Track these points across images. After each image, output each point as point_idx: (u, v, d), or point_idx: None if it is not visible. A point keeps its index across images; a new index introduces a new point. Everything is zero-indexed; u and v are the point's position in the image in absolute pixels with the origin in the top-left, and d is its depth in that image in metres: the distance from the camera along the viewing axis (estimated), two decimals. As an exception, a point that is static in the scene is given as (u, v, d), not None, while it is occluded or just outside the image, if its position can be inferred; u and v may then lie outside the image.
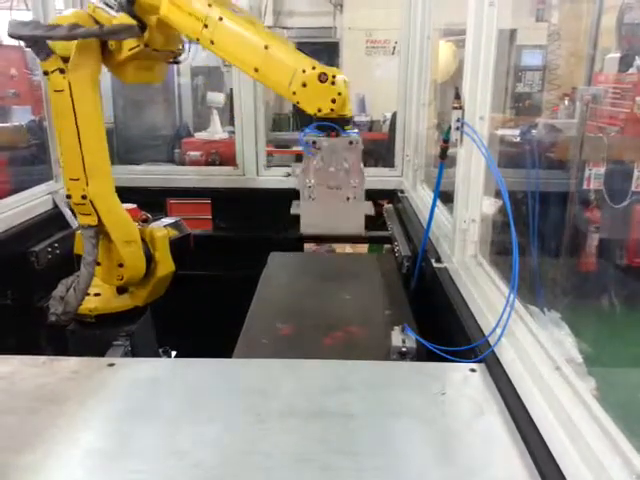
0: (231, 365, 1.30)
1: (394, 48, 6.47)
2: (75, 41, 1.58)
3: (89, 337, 1.99)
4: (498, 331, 1.19)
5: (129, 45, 1.65)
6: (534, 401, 0.98)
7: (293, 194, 2.97)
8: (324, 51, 7.00)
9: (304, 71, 1.37)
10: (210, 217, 3.13)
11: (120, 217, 1.87)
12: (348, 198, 1.47)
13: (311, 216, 1.51)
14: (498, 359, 1.17)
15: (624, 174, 3.54)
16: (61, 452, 0.97)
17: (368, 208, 1.58)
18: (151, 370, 1.23)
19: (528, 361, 1.07)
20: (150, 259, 1.95)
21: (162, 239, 2.00)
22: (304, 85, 1.36)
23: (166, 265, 2.00)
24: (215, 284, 2.85)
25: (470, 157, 1.55)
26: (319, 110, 1.37)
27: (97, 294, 1.94)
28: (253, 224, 2.96)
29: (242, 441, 0.99)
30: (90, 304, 1.92)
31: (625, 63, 3.84)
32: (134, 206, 2.37)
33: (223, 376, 1.21)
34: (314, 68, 1.37)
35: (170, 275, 2.04)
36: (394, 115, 4.30)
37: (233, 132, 3.45)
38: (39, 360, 1.26)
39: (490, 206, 1.73)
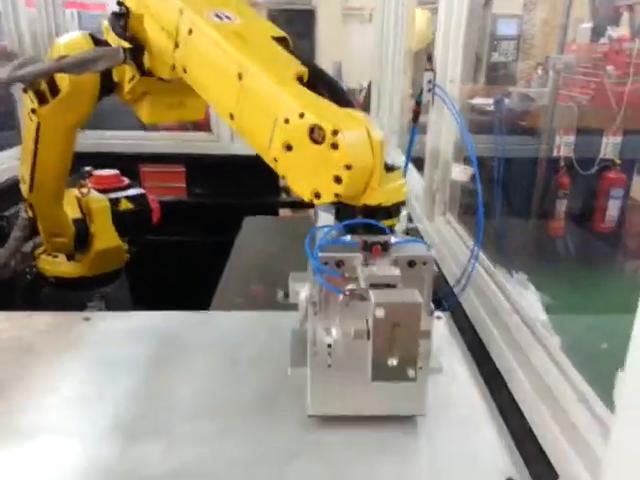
0: (206, 316, 1.33)
1: (370, 15, 6.41)
2: (66, 76, 1.22)
3: (63, 300, 2.01)
4: (463, 282, 1.25)
5: (129, 76, 1.23)
6: (494, 341, 1.04)
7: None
8: (300, 19, 6.88)
9: (287, 121, 0.80)
10: (184, 183, 3.12)
11: (57, 223, 1.76)
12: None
13: (330, 392, 0.91)
14: (462, 307, 1.22)
15: (593, 142, 3.62)
16: (38, 398, 1.00)
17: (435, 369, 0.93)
18: (127, 323, 1.26)
19: (490, 307, 1.13)
20: (86, 231, 1.88)
21: (99, 211, 1.91)
22: (288, 148, 0.81)
23: (105, 239, 1.91)
24: (191, 250, 2.87)
25: (441, 119, 1.58)
26: (316, 195, 0.80)
27: (55, 256, 1.94)
28: (228, 190, 2.96)
29: (217, 383, 1.04)
30: (46, 265, 1.93)
31: (597, 33, 3.90)
32: (116, 172, 2.34)
33: (198, 326, 1.24)
34: (302, 116, 0.78)
35: (116, 249, 1.96)
36: (370, 84, 4.29)
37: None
38: (14, 315, 1.27)
39: (461, 173, 1.76)
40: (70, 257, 1.95)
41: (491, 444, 0.90)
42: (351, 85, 6.42)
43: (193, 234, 2.90)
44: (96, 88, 1.27)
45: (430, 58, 1.52)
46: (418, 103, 1.57)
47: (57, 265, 1.94)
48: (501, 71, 5.41)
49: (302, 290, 0.94)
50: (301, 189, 0.82)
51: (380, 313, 0.71)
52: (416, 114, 1.58)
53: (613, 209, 3.65)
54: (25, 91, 1.33)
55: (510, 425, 0.92)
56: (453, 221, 1.59)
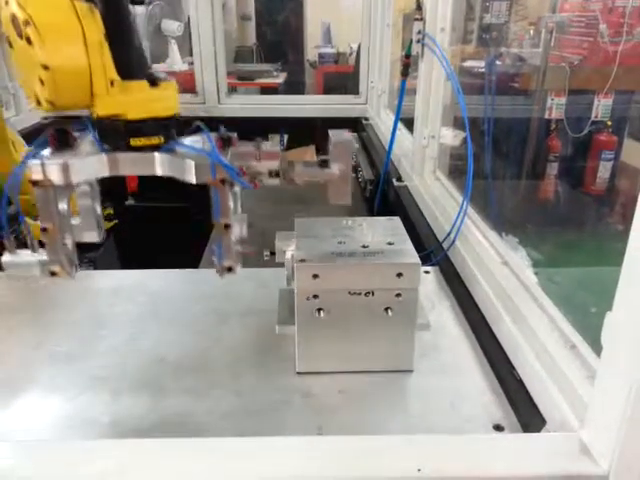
0: (193, 274, 1.32)
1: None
2: None
3: (50, 264, 1.98)
4: (452, 236, 1.24)
5: None
6: (482, 292, 1.04)
7: (259, 122, 2.95)
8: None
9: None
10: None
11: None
12: (388, 309, 0.87)
13: (318, 349, 0.92)
14: (451, 261, 1.22)
15: (585, 104, 3.59)
16: (22, 354, 0.99)
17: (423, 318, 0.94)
18: (114, 280, 1.24)
19: (478, 259, 1.12)
20: None
21: None
22: (8, 43, 0.72)
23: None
24: (178, 214, 2.83)
25: (431, 71, 1.54)
26: (38, 102, 0.73)
27: (36, 219, 1.90)
28: (216, 154, 2.90)
29: (205, 338, 1.03)
30: (36, 230, 1.90)
31: (591, -10, 3.81)
32: None
33: (186, 284, 1.23)
34: (7, 2, 0.68)
35: None
36: (360, 47, 4.20)
37: (193, 63, 3.33)
38: (-4, 275, 1.25)
39: (452, 137, 1.73)
40: None
41: (479, 392, 0.90)
42: (341, 48, 6.28)
43: (180, 198, 2.86)
44: None
45: (420, 6, 1.48)
46: (407, 55, 1.53)
47: (38, 228, 1.91)
48: (493, 33, 5.32)
49: (288, 249, 0.94)
50: (28, 91, 0.73)
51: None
52: (406, 67, 1.54)
53: (604, 171, 3.64)
54: None
55: (498, 373, 0.93)
56: (443, 178, 1.57)
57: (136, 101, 0.74)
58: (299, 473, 0.65)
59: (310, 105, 3.09)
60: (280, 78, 5.08)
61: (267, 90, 4.96)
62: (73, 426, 0.83)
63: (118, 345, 1.01)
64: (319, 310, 0.87)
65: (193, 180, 0.77)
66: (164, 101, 0.77)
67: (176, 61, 4.68)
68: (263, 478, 0.64)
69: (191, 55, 4.45)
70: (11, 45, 0.71)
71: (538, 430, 0.78)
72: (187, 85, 3.90)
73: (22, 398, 0.89)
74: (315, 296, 0.87)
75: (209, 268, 1.52)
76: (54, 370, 0.95)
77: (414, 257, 0.88)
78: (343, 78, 5.31)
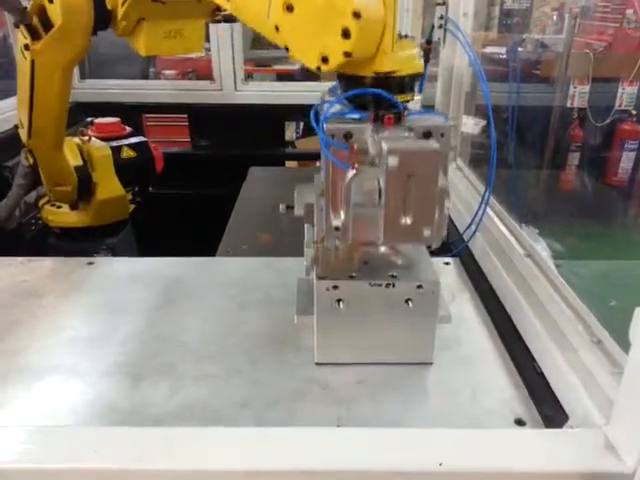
0: (212, 262, 1.32)
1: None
2: (59, 7, 1.20)
3: (69, 251, 2.00)
4: (473, 227, 1.22)
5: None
6: (504, 285, 1.02)
7: (275, 110, 2.93)
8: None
9: None
10: (189, 136, 3.06)
11: (58, 170, 1.70)
12: (408, 300, 0.84)
13: (337, 340, 0.89)
14: (472, 253, 1.20)
15: (608, 92, 3.51)
16: (44, 339, 1.00)
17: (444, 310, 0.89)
18: (132, 267, 1.24)
19: (500, 251, 1.10)
20: (88, 179, 1.82)
21: (102, 160, 1.85)
22: (289, 9, 0.73)
23: (108, 188, 1.87)
24: (197, 202, 2.83)
25: (453, 57, 1.51)
26: (324, 60, 0.72)
27: (59, 206, 1.92)
28: (233, 141, 2.90)
29: (223, 326, 1.03)
30: (50, 215, 1.91)
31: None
32: (117, 120, 2.30)
33: (204, 271, 1.23)
34: None
35: (119, 199, 1.92)
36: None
37: (210, 49, 3.31)
38: (17, 260, 1.26)
39: (472, 126, 1.70)
40: (73, 207, 1.92)
41: (500, 386, 0.89)
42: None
43: (198, 186, 2.87)
44: (90, 20, 1.24)
45: (443, -10, 1.44)
46: (429, 42, 1.50)
47: (61, 215, 1.92)
48: (515, 18, 5.21)
49: (307, 235, 0.94)
50: (307, 56, 0.75)
51: (393, 162, 0.63)
52: (427, 53, 1.50)
53: (627, 162, 3.57)
54: (17, 26, 1.28)
55: (519, 367, 0.91)
56: (464, 167, 1.55)
57: (407, 58, 0.76)
58: (319, 464, 0.64)
59: (327, 92, 3.05)
60: (297, 64, 5.04)
61: (283, 77, 4.91)
62: (93, 411, 0.84)
63: (137, 332, 1.02)
64: (339, 301, 0.87)
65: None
66: (418, 57, 0.79)
67: (193, 47, 4.65)
68: (281, 469, 0.64)
69: (208, 41, 4.45)
70: (292, 10, 0.73)
71: (560, 426, 0.76)
72: (204, 72, 3.89)
73: (43, 383, 0.89)
74: (335, 287, 0.86)
75: (226, 256, 1.53)
76: (74, 355, 0.96)
77: None
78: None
